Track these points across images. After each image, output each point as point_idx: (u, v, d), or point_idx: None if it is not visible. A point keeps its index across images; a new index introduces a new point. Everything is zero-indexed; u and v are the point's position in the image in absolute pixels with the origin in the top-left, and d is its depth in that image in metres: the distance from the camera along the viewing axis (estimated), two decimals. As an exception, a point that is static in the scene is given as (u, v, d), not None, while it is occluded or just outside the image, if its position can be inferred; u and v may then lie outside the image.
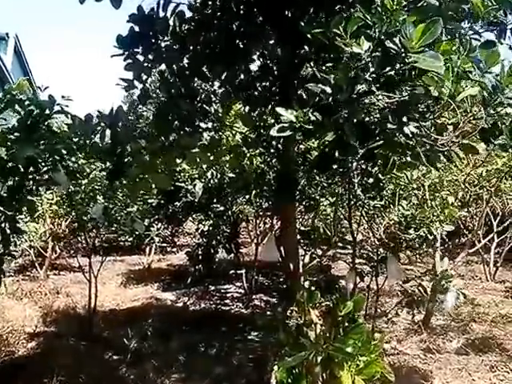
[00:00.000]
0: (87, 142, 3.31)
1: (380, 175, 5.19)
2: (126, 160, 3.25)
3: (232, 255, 8.29)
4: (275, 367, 3.85)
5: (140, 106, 3.84)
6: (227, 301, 8.07)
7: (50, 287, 8.74)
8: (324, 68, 2.44)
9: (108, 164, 3.21)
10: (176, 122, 3.51)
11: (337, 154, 2.26)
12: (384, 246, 4.70)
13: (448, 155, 3.58)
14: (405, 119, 2.69)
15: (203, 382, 4.55)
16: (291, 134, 3.41)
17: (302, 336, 3.49)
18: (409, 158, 3.46)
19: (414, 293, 4.81)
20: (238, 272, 8.19)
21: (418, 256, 5.86)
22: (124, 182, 3.65)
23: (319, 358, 3.37)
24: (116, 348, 5.55)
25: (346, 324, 3.58)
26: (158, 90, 3.74)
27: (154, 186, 3.77)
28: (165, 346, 5.60)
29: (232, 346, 5.71)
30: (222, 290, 8.73)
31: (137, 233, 9.86)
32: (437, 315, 6.60)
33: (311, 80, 2.73)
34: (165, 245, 12.28)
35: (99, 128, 3.22)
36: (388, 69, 2.43)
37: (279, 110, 2.36)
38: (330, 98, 2.43)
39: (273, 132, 2.43)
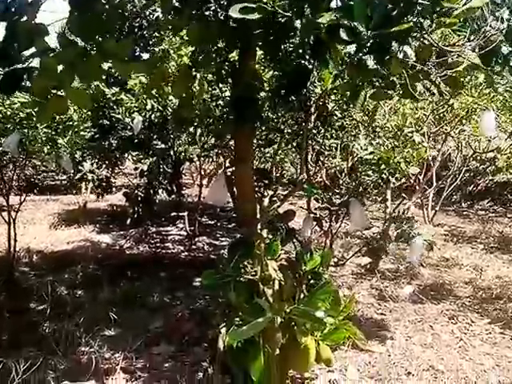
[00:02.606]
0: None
1: (337, 112, 4.42)
2: (26, 66, 2.19)
3: (174, 196, 7.36)
4: (223, 330, 3.07)
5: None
6: (168, 244, 7.20)
7: (-30, 228, 7.55)
8: None
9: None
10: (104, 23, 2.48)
11: (343, 35, 1.38)
12: (346, 190, 3.97)
13: (428, 87, 2.82)
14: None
15: (137, 341, 3.72)
16: (252, 45, 2.47)
17: (257, 295, 2.70)
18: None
19: (375, 239, 4.16)
20: (180, 214, 7.31)
21: (375, 199, 5.17)
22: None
23: (279, 320, 2.61)
24: (38, 298, 4.61)
25: (311, 281, 2.83)
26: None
27: (71, 104, 2.70)
28: (95, 295, 4.71)
29: (172, 295, 4.91)
30: (163, 233, 7.85)
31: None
32: (384, 259, 6.07)
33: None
34: (103, 184, 11.09)
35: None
36: None
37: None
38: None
39: (233, 12, 1.51)
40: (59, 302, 4.50)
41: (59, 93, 2.39)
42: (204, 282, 2.61)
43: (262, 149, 3.71)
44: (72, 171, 7.00)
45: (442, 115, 4.90)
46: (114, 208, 9.69)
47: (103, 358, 3.40)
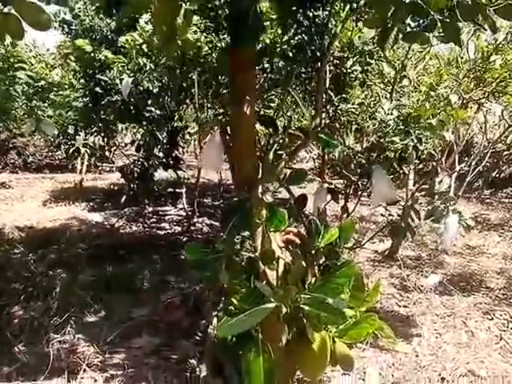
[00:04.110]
0: None
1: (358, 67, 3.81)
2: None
3: (171, 172, 6.74)
4: (214, 321, 2.50)
5: None
6: (164, 224, 6.63)
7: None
8: None
9: None
10: None
11: None
12: (367, 157, 3.35)
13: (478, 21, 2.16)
14: None
15: (115, 331, 3.16)
16: None
17: (257, 277, 2.12)
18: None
19: (400, 216, 3.55)
20: (178, 191, 6.73)
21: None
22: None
23: (284, 310, 2.01)
24: (12, 278, 4.09)
25: (327, 261, 2.23)
26: None
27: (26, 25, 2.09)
28: (76, 277, 4.16)
29: (163, 279, 4.34)
30: (160, 212, 7.27)
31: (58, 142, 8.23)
32: (403, 244, 5.48)
33: None
34: (104, 164, 10.50)
35: None
36: None
37: None
38: None
39: None
40: (34, 284, 3.98)
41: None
42: (189, 258, 2.02)
43: (267, 93, 3.11)
44: (54, 134, 6.41)
45: (478, 77, 4.22)
46: (111, 186, 9.13)
47: (70, 350, 2.84)
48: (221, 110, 3.83)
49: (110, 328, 3.20)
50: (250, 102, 2.09)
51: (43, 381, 2.52)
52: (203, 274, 2.20)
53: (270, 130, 2.26)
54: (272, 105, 4.05)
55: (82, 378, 2.56)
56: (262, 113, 3.24)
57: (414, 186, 5.21)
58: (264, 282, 2.05)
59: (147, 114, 5.47)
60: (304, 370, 2.24)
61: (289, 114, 3.59)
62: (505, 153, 10.73)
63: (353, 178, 3.17)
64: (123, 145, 9.83)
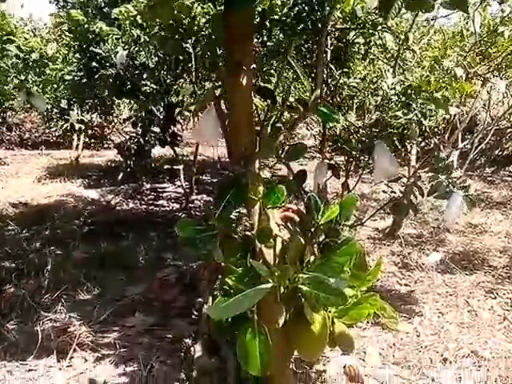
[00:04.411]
0: None
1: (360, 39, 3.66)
2: None
3: (168, 149, 6.62)
4: (209, 300, 2.42)
5: None
6: (162, 201, 6.54)
7: None
8: None
9: None
10: None
11: None
12: (368, 133, 3.23)
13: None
14: None
15: (108, 309, 3.09)
16: None
17: (253, 256, 2.02)
18: None
19: (402, 195, 3.44)
20: (176, 168, 6.61)
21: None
22: None
23: (281, 290, 1.91)
24: (6, 256, 4.00)
25: (327, 239, 2.13)
26: None
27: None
28: (69, 254, 4.08)
29: (160, 256, 4.27)
30: (158, 190, 7.17)
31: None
32: (405, 222, 5.38)
33: None
34: (95, 134, 10.26)
35: None
36: None
37: None
38: None
39: None
40: (26, 261, 3.89)
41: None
42: (180, 234, 1.91)
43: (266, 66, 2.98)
44: (46, 109, 6.27)
45: (483, 52, 4.07)
46: (108, 163, 9.00)
47: (61, 329, 2.76)
48: (218, 83, 3.70)
49: (103, 306, 3.13)
50: (247, 74, 1.96)
51: (32, 360, 2.45)
52: (198, 252, 2.10)
53: (269, 102, 2.13)
54: (272, 79, 3.92)
55: (71, 357, 2.49)
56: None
57: (416, 162, 5.10)
58: (261, 261, 1.95)
59: (143, 89, 5.32)
60: (302, 350, 2.16)
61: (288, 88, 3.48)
62: (508, 130, 10.58)
63: (354, 153, 3.05)
64: (121, 121, 9.65)
